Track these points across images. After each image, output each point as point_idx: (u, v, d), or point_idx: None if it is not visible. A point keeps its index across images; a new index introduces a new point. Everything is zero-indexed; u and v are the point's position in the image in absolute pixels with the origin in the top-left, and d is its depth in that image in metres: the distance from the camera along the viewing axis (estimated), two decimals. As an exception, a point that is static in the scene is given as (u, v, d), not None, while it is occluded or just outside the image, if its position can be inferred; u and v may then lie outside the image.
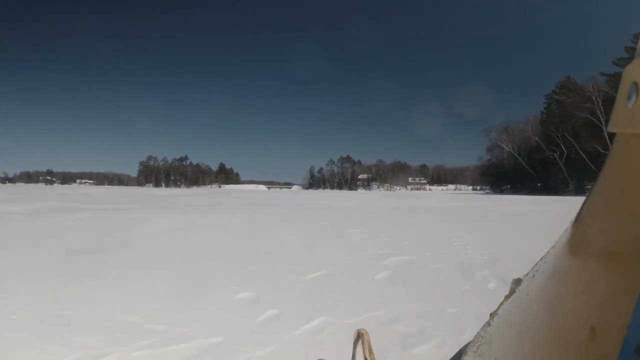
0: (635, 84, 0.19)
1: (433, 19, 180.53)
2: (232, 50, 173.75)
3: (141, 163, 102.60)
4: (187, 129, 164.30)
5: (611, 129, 0.21)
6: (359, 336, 0.64)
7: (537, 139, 36.20)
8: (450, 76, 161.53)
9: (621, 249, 0.19)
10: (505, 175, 48.13)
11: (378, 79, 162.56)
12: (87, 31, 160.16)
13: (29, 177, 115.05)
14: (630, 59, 0.21)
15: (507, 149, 46.01)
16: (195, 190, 52.02)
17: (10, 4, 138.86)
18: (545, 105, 42.59)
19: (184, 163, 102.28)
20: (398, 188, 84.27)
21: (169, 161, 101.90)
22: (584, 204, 0.24)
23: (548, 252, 0.30)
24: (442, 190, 76.88)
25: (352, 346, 0.66)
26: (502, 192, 46.65)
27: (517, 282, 0.34)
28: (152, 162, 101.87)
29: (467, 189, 78.00)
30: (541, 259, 0.31)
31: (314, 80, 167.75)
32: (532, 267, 0.32)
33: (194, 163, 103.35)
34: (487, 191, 52.12)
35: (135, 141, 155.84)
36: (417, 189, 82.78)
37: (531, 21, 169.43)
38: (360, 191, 73.57)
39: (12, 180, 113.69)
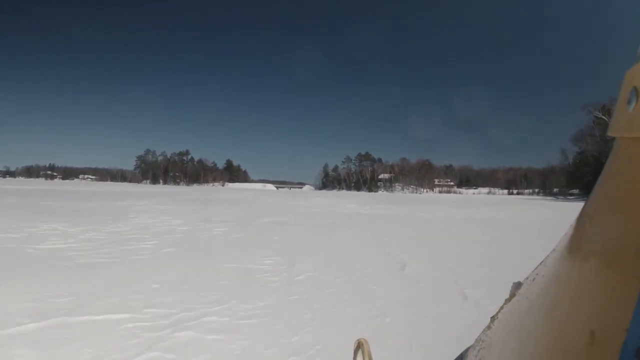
0: (636, 88, 0.19)
1: (467, 5, 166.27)
2: (240, 43, 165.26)
3: (138, 157, 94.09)
4: (194, 125, 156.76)
5: (611, 133, 0.22)
6: (359, 346, 0.62)
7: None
8: (478, 70, 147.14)
9: (620, 253, 0.18)
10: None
11: (399, 73, 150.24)
12: (88, 25, 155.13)
13: (29, 172, 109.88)
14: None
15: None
16: (171, 188, 41.09)
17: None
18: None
19: (184, 158, 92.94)
20: (425, 190, 72.43)
21: (168, 156, 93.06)
22: (583, 207, 0.24)
23: (548, 255, 0.29)
24: (474, 193, 64.28)
25: (353, 356, 0.64)
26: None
27: (518, 285, 0.33)
28: (150, 157, 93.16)
29: (502, 192, 65.65)
30: (541, 263, 0.30)
31: (332, 74, 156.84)
32: (533, 271, 0.31)
33: (196, 158, 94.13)
34: (578, 198, 36.26)
35: (141, 137, 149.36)
36: (446, 191, 71.00)
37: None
38: (381, 193, 62.33)
39: (12, 174, 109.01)
